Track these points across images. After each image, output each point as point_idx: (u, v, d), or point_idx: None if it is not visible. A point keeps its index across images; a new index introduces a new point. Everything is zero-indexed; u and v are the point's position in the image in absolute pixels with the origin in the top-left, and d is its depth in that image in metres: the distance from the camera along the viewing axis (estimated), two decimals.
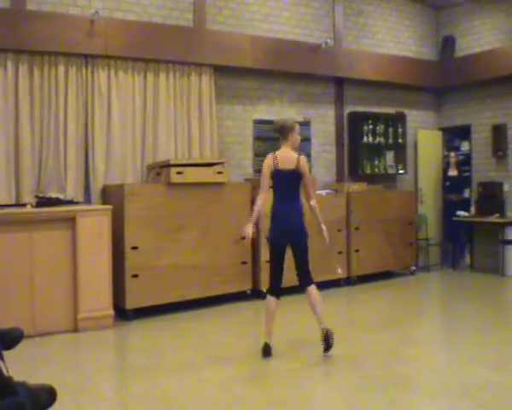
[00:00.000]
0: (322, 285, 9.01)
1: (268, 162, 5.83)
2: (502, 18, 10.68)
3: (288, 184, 5.84)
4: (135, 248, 7.45)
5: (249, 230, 5.70)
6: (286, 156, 5.84)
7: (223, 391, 4.91)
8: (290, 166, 5.79)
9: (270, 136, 9.45)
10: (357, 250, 9.63)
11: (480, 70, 10.76)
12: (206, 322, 7.46)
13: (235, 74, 9.29)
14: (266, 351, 5.77)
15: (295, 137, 5.94)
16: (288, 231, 5.82)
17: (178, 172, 7.73)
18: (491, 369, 5.37)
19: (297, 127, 5.96)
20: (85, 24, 7.71)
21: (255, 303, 8.37)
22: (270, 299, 5.86)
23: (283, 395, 4.82)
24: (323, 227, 5.90)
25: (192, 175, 7.89)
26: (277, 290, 5.88)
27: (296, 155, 5.84)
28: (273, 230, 5.85)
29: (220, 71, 9.03)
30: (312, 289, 5.86)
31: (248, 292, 8.51)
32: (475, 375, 5.19)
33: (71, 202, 7.41)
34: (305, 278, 5.88)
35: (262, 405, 4.66)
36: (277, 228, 5.83)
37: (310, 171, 6.39)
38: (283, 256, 5.87)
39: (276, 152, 5.89)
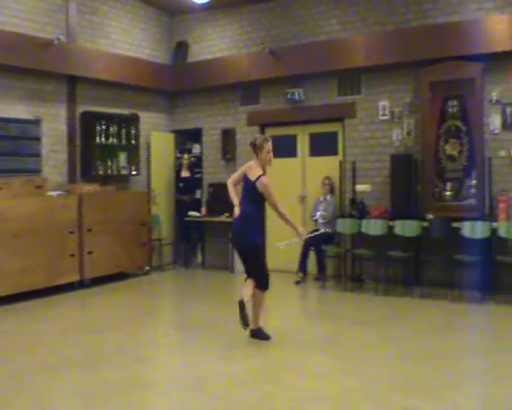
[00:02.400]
0: (55, 290, 9.43)
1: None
2: (232, 28, 12.08)
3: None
4: None
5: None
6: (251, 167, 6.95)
7: None
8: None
9: None
10: (90, 252, 10.15)
11: (211, 76, 12.04)
12: None
13: None
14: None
15: (263, 155, 6.86)
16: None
17: None
18: (220, 361, 6.28)
19: (265, 146, 6.85)
20: None
21: None
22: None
23: (19, 402, 5.17)
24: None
25: None
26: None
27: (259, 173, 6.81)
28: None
29: None
30: (257, 291, 6.89)
31: None
32: (206, 369, 6.04)
33: None
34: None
35: None
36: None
37: None
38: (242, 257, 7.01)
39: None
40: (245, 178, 6.91)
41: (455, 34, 9.38)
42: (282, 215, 6.87)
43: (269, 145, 6.87)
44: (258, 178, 6.74)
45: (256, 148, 6.88)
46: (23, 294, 9.04)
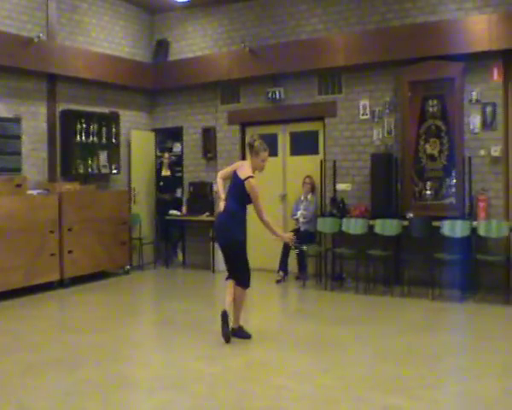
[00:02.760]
0: (35, 289, 9.39)
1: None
2: (213, 26, 12.07)
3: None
4: None
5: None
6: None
7: None
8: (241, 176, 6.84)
9: None
10: (70, 251, 10.10)
11: (191, 74, 12.03)
12: None
13: None
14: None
15: (258, 162, 6.90)
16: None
17: None
18: (201, 361, 6.28)
19: (261, 154, 6.89)
20: None
21: None
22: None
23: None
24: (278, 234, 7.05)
25: None
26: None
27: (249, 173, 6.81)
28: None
29: None
30: (238, 289, 6.88)
31: None
32: (188, 368, 6.05)
33: None
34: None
35: None
36: None
37: None
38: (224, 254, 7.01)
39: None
40: (234, 175, 6.89)
41: (435, 34, 9.45)
42: (265, 223, 6.81)
43: (265, 155, 6.93)
44: (247, 178, 6.73)
45: (252, 151, 6.92)
46: (2, 293, 8.98)
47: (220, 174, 7.09)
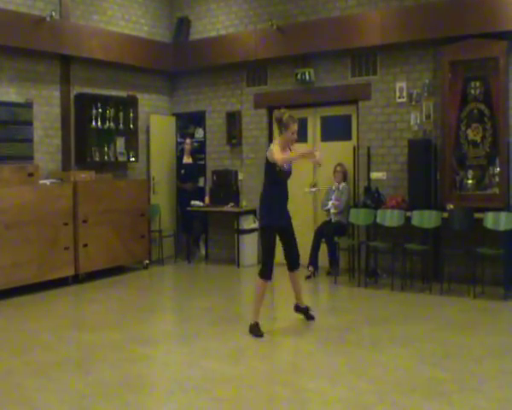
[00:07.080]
0: (48, 285, 9.50)
1: None
2: (238, 2, 12.06)
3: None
4: None
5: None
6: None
7: None
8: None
9: None
10: (85, 245, 10.19)
11: (214, 55, 12.04)
12: None
13: None
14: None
15: (288, 136, 6.99)
16: None
17: None
18: (225, 362, 6.32)
19: (291, 126, 6.95)
20: None
21: None
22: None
23: (9, 405, 5.21)
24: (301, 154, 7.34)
25: None
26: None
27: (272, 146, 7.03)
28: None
29: None
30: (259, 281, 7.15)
31: None
32: (211, 369, 6.07)
33: None
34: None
35: None
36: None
37: None
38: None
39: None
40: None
41: (477, 10, 9.32)
42: (284, 160, 6.88)
43: (295, 127, 7.03)
44: (270, 149, 7.01)
45: (282, 124, 7.01)
46: (14, 289, 9.11)
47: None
